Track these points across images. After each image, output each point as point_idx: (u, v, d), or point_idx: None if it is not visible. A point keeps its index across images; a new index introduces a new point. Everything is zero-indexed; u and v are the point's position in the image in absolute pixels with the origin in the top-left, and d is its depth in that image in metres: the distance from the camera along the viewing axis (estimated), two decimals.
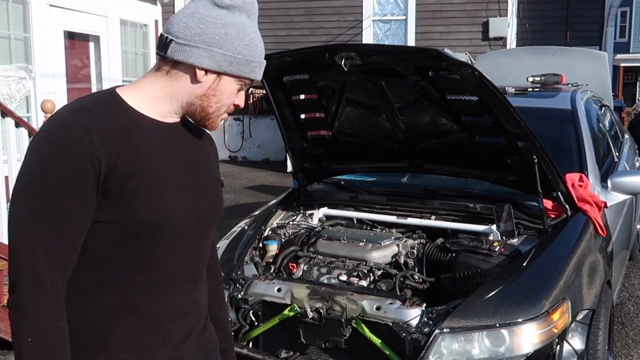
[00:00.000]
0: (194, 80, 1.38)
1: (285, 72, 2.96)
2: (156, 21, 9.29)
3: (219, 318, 1.72)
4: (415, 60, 2.64)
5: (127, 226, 1.32)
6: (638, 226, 5.44)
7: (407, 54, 2.71)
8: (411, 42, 11.52)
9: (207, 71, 1.38)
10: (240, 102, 1.46)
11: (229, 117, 11.92)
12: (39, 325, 1.23)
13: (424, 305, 2.49)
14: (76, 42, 7.76)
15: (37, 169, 1.25)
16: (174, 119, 1.44)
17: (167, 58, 1.38)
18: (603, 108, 4.88)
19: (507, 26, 11.19)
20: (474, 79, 2.53)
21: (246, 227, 3.35)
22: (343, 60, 2.61)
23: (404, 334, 2.39)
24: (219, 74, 1.39)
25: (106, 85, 8.18)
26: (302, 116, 3.23)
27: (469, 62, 8.91)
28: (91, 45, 8.00)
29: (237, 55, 1.38)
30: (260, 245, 3.22)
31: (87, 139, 1.26)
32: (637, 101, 21.73)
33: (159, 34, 1.42)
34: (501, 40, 11.25)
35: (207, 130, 1.52)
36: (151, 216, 1.33)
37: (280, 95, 3.11)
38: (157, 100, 1.40)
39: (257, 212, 3.57)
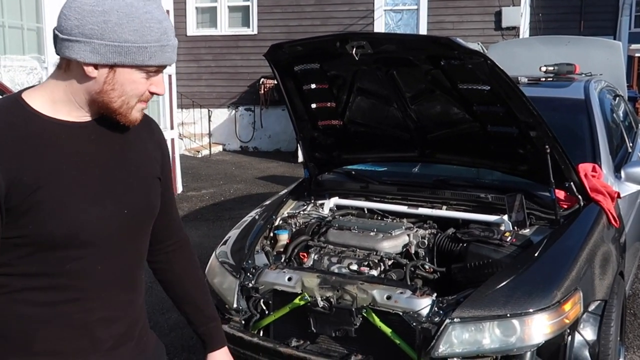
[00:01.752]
0: (86, 76, 1.26)
1: (296, 61, 2.95)
2: (167, 11, 9.29)
3: (197, 300, 1.67)
4: (426, 48, 2.62)
5: (37, 241, 1.25)
6: None
7: (419, 43, 2.70)
8: (423, 32, 11.44)
9: (96, 66, 1.25)
10: (158, 89, 1.32)
11: (240, 107, 11.83)
12: None
13: (435, 295, 2.49)
14: None
15: None
16: (87, 117, 1.33)
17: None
18: (617, 98, 4.83)
19: (520, 15, 11.08)
20: (486, 68, 2.51)
21: (257, 217, 3.36)
22: (354, 49, 2.60)
23: (414, 324, 2.39)
24: (110, 66, 1.25)
25: None
26: (313, 106, 3.23)
27: (485, 52, 8.85)
28: None
29: (123, 44, 1.23)
30: (271, 234, 3.22)
31: None
32: None
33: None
34: (514, 30, 11.15)
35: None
36: (61, 229, 1.25)
37: (291, 84, 3.10)
38: (62, 102, 1.30)
39: (267, 202, 3.58)
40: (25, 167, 1.22)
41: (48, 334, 1.31)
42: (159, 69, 1.31)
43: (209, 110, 12.27)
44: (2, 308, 1.28)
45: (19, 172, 1.21)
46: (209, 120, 12.26)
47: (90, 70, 1.25)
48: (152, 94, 1.33)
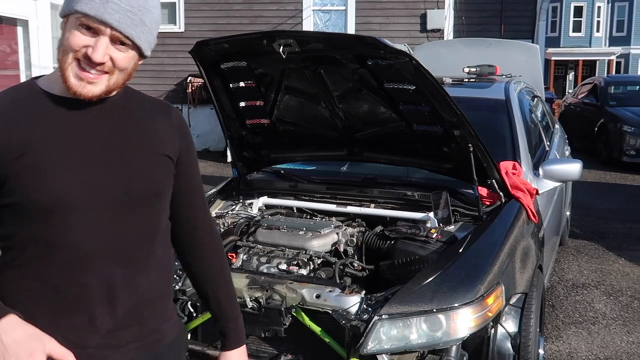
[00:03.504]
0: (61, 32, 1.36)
1: (223, 59, 2.90)
2: None
3: (217, 299, 1.64)
4: (353, 47, 2.64)
5: (24, 208, 1.30)
6: (567, 213, 5.67)
7: (346, 42, 2.71)
8: (351, 32, 11.56)
9: (65, 20, 1.34)
10: (93, 54, 1.30)
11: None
12: None
13: (363, 292, 2.51)
14: (3, 26, 7.40)
15: None
16: None
17: None
18: (535, 99, 5.03)
19: (444, 18, 11.39)
20: (411, 68, 2.55)
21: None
22: (281, 48, 2.59)
23: (343, 322, 2.40)
24: (66, 16, 1.33)
25: (35, 72, 7.84)
26: (241, 104, 3.19)
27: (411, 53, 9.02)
28: (19, 30, 7.65)
29: None
30: None
31: None
32: (567, 93, 22.61)
33: None
34: (439, 32, 11.45)
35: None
36: (45, 196, 1.30)
37: (218, 82, 3.05)
38: (59, 75, 1.35)
39: None
40: (14, 136, 1.29)
41: (45, 309, 1.33)
42: (92, 28, 1.30)
43: None
44: (4, 283, 1.33)
45: (9, 141, 1.29)
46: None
47: (62, 24, 1.34)
48: (87, 57, 1.30)
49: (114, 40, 1.32)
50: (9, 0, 7.25)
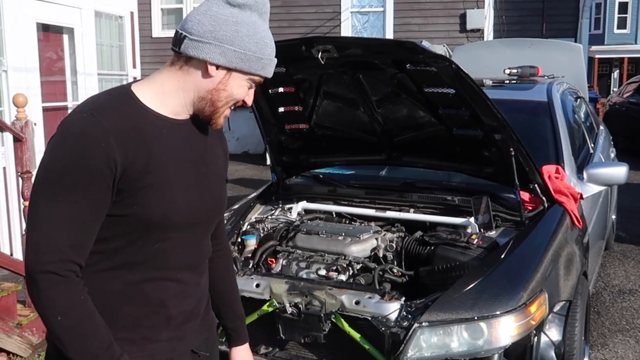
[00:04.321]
0: (206, 74, 1.44)
1: None
2: (132, 13, 9.16)
3: (229, 299, 1.84)
4: (392, 52, 2.62)
5: (136, 221, 1.41)
6: (613, 216, 5.52)
7: (384, 47, 2.69)
8: (389, 34, 11.51)
9: (218, 66, 1.43)
10: (249, 100, 1.53)
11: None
12: (65, 304, 1.32)
13: (403, 299, 2.49)
14: (50, 34, 7.61)
15: (57, 170, 1.33)
16: (185, 116, 1.51)
17: (180, 53, 1.44)
18: (578, 100, 4.92)
19: (484, 18, 11.23)
20: (450, 72, 2.52)
21: (225, 221, 3.32)
22: (320, 53, 2.59)
23: (383, 328, 2.39)
24: (229, 69, 1.44)
25: (81, 79, 8.04)
26: (280, 109, 3.20)
27: (447, 54, 8.93)
28: (65, 37, 7.86)
29: (247, 52, 1.43)
30: (239, 240, 3.19)
31: (104, 141, 1.34)
32: (611, 92, 22.02)
33: (175, 30, 1.48)
34: (478, 32, 11.30)
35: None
36: (159, 213, 1.42)
37: (257, 88, 3.07)
38: (169, 95, 1.47)
39: (236, 206, 3.55)
40: (137, 155, 1.38)
41: (130, 310, 1.46)
42: (260, 81, 1.51)
43: None
44: (93, 284, 1.40)
45: (134, 158, 1.37)
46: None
47: (212, 70, 1.43)
48: (243, 103, 1.52)
49: None
50: (55, 9, 7.45)
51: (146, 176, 1.39)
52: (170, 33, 12.34)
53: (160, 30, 12.39)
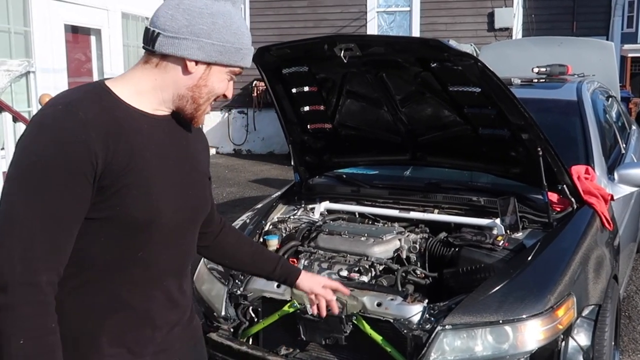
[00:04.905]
0: (185, 71, 1.36)
1: (284, 64, 2.90)
2: None
3: (259, 253, 1.86)
4: (416, 51, 2.58)
5: (120, 223, 1.30)
6: None
7: (408, 45, 2.65)
8: (416, 33, 11.42)
9: (197, 62, 1.36)
10: (229, 93, 1.45)
11: (233, 110, 11.77)
12: (35, 326, 1.18)
13: (426, 301, 2.45)
14: (78, 35, 7.72)
15: (32, 166, 1.21)
16: (164, 112, 1.43)
17: (155, 52, 1.36)
18: (610, 99, 4.80)
19: (512, 17, 11.07)
20: (476, 70, 2.47)
21: (248, 221, 3.31)
22: (342, 52, 2.56)
23: (405, 331, 2.35)
24: (209, 64, 1.37)
25: None
26: (303, 109, 3.18)
27: (474, 53, 8.82)
28: (92, 38, 7.95)
29: (226, 45, 1.36)
30: (261, 240, 3.17)
31: (84, 134, 1.22)
32: None
33: (145, 28, 1.40)
34: (507, 31, 11.14)
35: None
36: (143, 212, 1.32)
37: (279, 87, 3.05)
38: (147, 94, 1.38)
39: (259, 206, 3.53)
40: (119, 151, 1.28)
41: (114, 324, 1.35)
42: (239, 72, 1.43)
43: None
44: (72, 298, 1.30)
45: (115, 154, 1.27)
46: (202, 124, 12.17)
47: (191, 66, 1.35)
48: (223, 97, 1.45)
49: None
50: (82, 10, 7.55)
51: (129, 173, 1.29)
52: None
53: None
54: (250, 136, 12.40)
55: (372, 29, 11.65)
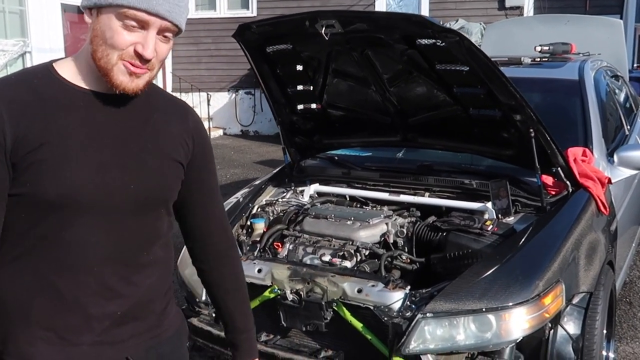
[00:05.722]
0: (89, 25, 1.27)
1: (267, 42, 2.81)
2: None
3: (230, 310, 1.61)
4: (400, 27, 2.46)
5: (33, 201, 1.25)
6: None
7: (391, 21, 2.53)
8: (425, 12, 11.18)
9: (90, 10, 1.26)
10: (143, 51, 1.24)
11: (240, 91, 11.65)
12: None
13: (408, 287, 2.37)
14: (76, 15, 7.62)
15: None
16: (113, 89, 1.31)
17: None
18: (616, 79, 4.65)
19: None
20: (463, 47, 2.36)
21: (241, 199, 3.24)
22: (324, 29, 2.46)
23: (385, 318, 2.28)
24: (93, 8, 1.25)
25: None
26: (290, 89, 3.09)
27: (483, 33, 8.61)
28: None
29: None
30: (248, 223, 3.11)
31: None
32: None
33: None
34: (518, 10, 10.87)
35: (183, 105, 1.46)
36: (55, 191, 1.24)
37: (264, 66, 2.96)
38: (85, 68, 1.30)
39: (247, 189, 3.45)
40: (33, 126, 1.23)
41: (42, 306, 1.29)
42: (142, 23, 1.23)
43: (207, 94, 12.12)
44: (4, 275, 1.29)
45: (26, 130, 1.22)
46: (208, 105, 12.10)
47: (87, 16, 1.27)
48: (138, 55, 1.25)
49: (160, 32, 1.26)
50: None
51: (40, 149, 1.23)
52: (204, 14, 12.32)
53: (193, 11, 12.35)
54: (258, 117, 12.30)
55: (381, 8, 11.44)
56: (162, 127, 1.41)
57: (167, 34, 1.28)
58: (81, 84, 1.30)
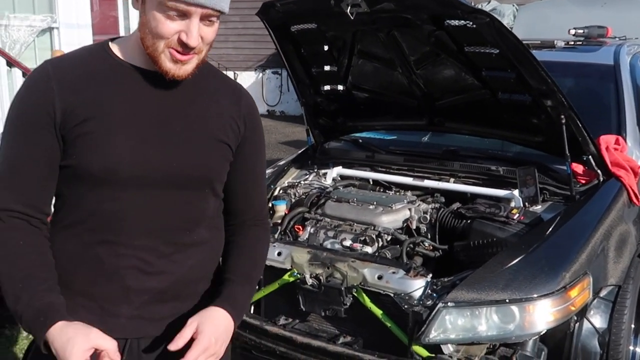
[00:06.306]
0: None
1: (291, 21, 2.75)
2: None
3: (224, 278, 1.48)
4: (428, 7, 2.38)
5: (79, 173, 1.31)
6: None
7: (419, 1, 2.44)
8: None
9: None
10: (188, 39, 1.26)
11: (267, 71, 11.57)
12: None
13: (430, 275, 2.32)
14: None
15: (8, 118, 1.33)
16: None
17: None
18: None
19: None
20: (492, 29, 2.27)
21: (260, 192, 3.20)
22: (349, 8, 2.39)
23: (405, 306, 2.23)
24: None
25: None
26: (314, 69, 3.03)
27: (515, 15, 8.41)
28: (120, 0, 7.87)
29: None
30: (269, 205, 3.08)
31: (44, 85, 1.28)
32: None
33: None
34: None
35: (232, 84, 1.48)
36: (97, 164, 1.29)
37: (289, 45, 2.91)
38: (135, 47, 1.34)
39: (270, 170, 3.42)
40: (81, 100, 1.29)
41: (84, 274, 1.35)
42: (183, 12, 1.25)
43: (234, 73, 12.10)
44: (55, 242, 1.36)
45: (75, 104, 1.28)
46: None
47: (135, 3, 1.30)
48: (182, 43, 1.27)
49: (203, 18, 1.27)
50: None
51: (87, 122, 1.29)
52: None
53: None
54: (284, 97, 12.26)
55: None
56: (211, 108, 1.42)
57: (211, 18, 1.29)
58: (132, 61, 1.35)
